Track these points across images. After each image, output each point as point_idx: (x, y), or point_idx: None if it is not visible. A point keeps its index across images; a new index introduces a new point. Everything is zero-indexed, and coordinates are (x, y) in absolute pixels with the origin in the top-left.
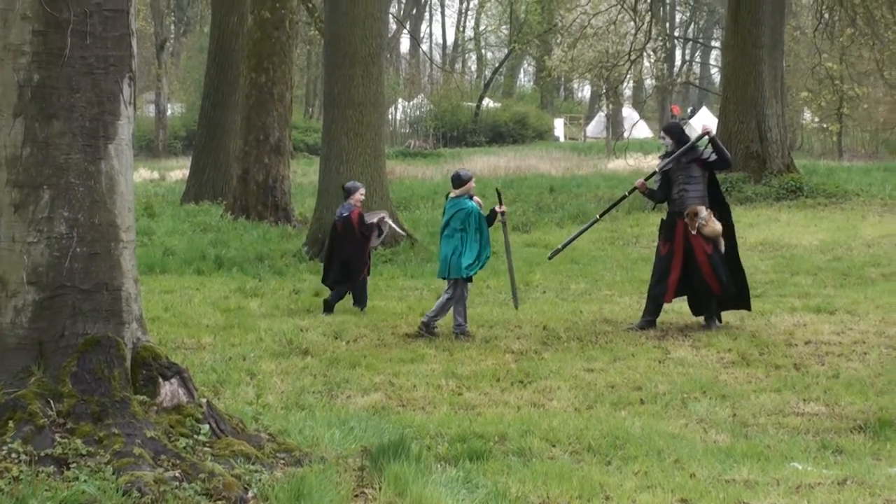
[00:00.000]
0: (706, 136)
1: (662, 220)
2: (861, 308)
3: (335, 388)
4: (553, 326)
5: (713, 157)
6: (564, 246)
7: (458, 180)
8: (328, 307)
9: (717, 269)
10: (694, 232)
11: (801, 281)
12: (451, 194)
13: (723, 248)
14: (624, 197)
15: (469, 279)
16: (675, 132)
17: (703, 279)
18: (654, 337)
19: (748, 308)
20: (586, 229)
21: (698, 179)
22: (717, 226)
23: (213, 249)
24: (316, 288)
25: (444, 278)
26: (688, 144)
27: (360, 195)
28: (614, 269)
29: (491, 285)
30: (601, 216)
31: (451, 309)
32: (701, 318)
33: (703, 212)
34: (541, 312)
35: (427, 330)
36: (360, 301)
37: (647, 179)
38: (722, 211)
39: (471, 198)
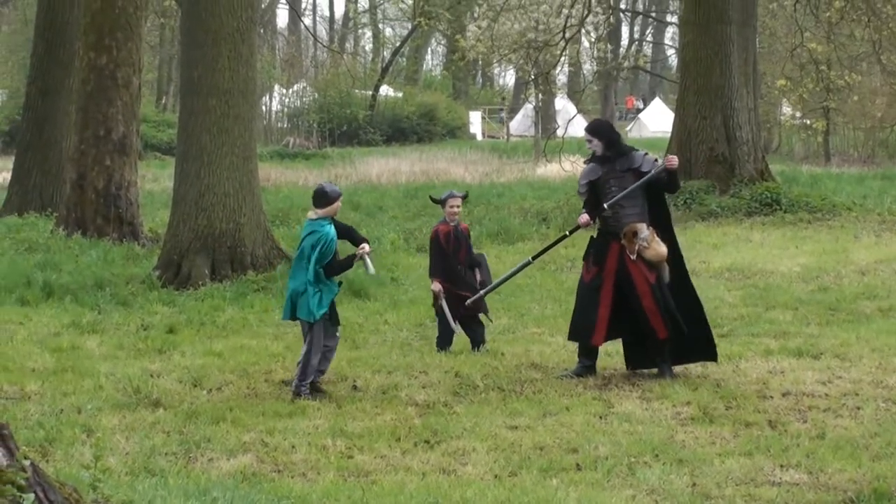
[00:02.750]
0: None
1: (592, 238)
2: (852, 351)
3: (194, 449)
4: (467, 372)
5: (659, 175)
6: (487, 292)
7: (323, 198)
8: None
9: (663, 305)
10: (633, 257)
11: (779, 317)
12: (311, 215)
13: (667, 277)
14: (564, 237)
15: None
16: (605, 131)
17: (646, 318)
18: (594, 386)
19: (712, 357)
20: (515, 274)
21: (636, 192)
22: (662, 248)
23: (40, 274)
24: (170, 323)
25: (290, 320)
26: (645, 179)
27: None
28: (544, 300)
29: (390, 320)
30: (534, 258)
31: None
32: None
33: (644, 231)
34: (452, 355)
35: (313, 389)
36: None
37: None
38: (665, 234)
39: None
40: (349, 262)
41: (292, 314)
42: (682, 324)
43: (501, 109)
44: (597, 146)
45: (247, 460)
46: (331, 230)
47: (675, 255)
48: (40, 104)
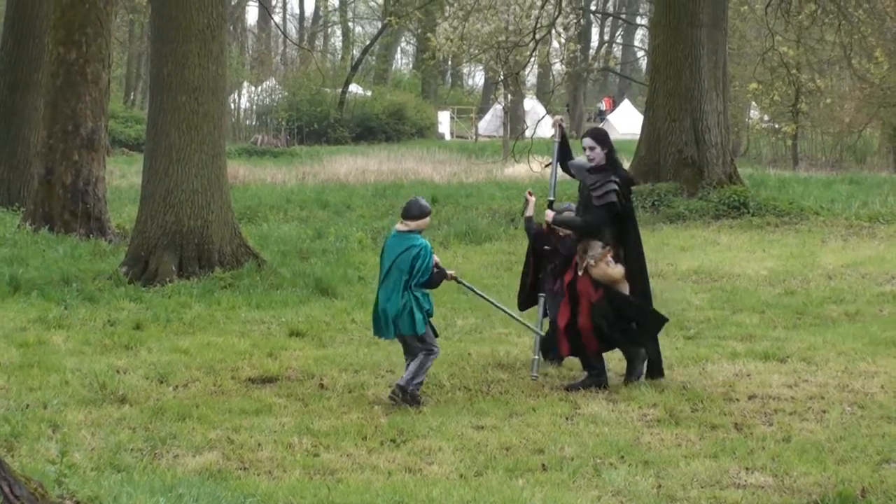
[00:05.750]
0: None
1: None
2: (819, 355)
3: (159, 446)
4: (434, 372)
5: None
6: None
7: (417, 210)
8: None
9: (600, 326)
10: (580, 272)
11: (745, 320)
12: (401, 227)
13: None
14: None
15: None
16: (606, 138)
17: (578, 333)
18: (561, 387)
19: (657, 375)
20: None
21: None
22: (613, 270)
23: (7, 269)
24: (137, 319)
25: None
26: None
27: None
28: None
29: (357, 319)
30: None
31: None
32: (615, 365)
33: (597, 248)
34: None
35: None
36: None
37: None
38: (631, 252)
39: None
40: (442, 275)
41: (395, 331)
42: (615, 344)
43: (470, 109)
44: (599, 155)
45: (213, 457)
46: (428, 243)
47: (638, 281)
48: (8, 99)
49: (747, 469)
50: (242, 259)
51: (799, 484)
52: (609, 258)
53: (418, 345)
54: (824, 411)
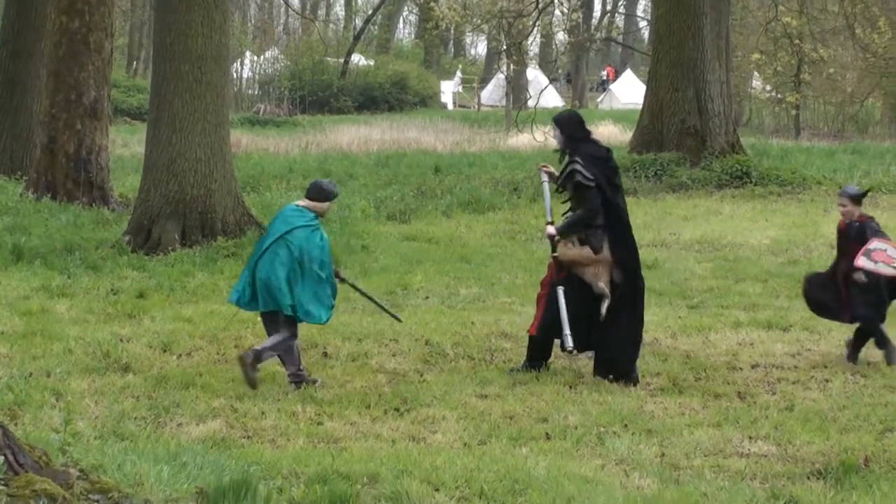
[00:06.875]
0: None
1: None
2: (821, 324)
3: (163, 414)
4: (437, 341)
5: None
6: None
7: (320, 193)
8: None
9: (548, 308)
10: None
11: (748, 289)
12: (299, 202)
13: (597, 289)
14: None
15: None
16: (565, 122)
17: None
18: (563, 356)
19: (621, 378)
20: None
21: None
22: (571, 252)
23: (9, 237)
24: (140, 288)
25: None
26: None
27: None
28: (514, 270)
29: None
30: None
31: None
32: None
33: (551, 229)
34: (422, 323)
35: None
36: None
37: None
38: (618, 236)
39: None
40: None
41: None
42: (554, 334)
43: (473, 79)
44: (558, 138)
45: (216, 426)
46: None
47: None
48: (11, 67)
49: (750, 438)
50: (245, 228)
51: (802, 453)
52: (569, 243)
53: (286, 329)
54: (827, 380)
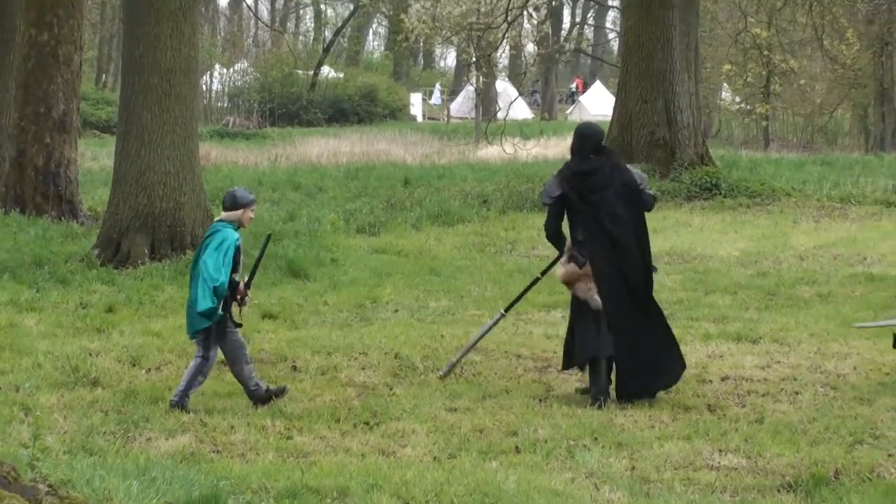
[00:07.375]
0: None
1: None
2: (791, 336)
3: (132, 429)
4: (407, 354)
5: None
6: (459, 359)
7: (232, 202)
8: None
9: (568, 334)
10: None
11: (718, 301)
12: (219, 217)
13: (593, 303)
14: (537, 279)
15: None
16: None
17: None
18: (534, 369)
19: (670, 385)
20: (490, 329)
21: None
22: (560, 271)
23: None
24: (109, 302)
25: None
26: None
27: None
28: (484, 282)
29: (329, 301)
30: (506, 310)
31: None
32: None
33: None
34: (391, 336)
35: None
36: None
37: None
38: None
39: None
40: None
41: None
42: (587, 354)
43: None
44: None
45: (185, 440)
46: (235, 236)
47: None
48: None
49: (720, 451)
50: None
51: (772, 465)
52: (563, 258)
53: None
54: (797, 392)
